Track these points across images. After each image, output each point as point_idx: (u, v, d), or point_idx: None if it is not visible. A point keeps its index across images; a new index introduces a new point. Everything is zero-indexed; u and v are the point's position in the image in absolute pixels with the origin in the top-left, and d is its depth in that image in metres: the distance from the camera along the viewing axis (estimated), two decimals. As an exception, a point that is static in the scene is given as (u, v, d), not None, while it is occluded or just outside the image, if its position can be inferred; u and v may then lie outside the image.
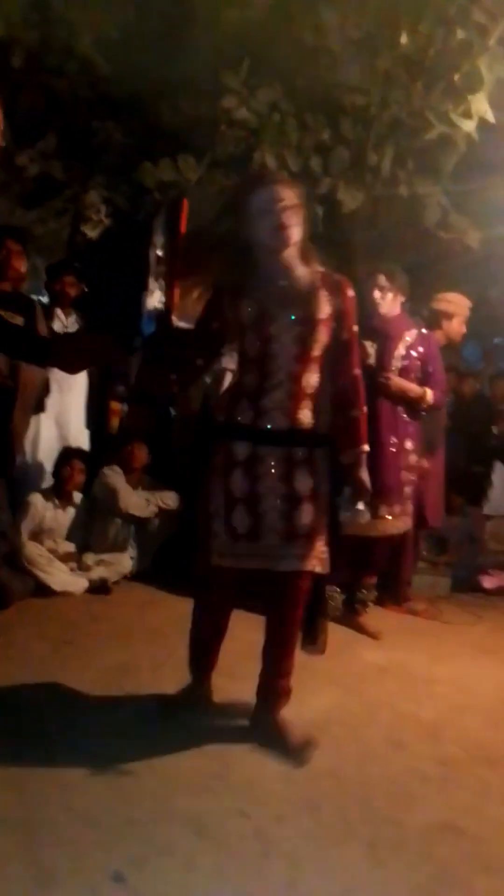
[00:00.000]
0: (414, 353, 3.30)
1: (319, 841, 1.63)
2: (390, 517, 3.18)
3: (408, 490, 3.27)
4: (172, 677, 2.49)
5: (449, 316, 3.82)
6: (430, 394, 3.32)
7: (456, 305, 3.84)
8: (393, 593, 3.83)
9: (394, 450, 3.21)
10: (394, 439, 3.22)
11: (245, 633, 3.08)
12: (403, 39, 3.49)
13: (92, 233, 5.21)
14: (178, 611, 3.28)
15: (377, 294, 3.25)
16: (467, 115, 3.35)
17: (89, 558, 3.64)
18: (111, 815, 1.65)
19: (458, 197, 4.58)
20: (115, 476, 3.80)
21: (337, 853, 1.60)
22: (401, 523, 3.26)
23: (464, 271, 5.55)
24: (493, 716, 2.40)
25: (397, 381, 3.23)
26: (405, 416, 3.28)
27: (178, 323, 4.18)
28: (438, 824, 1.72)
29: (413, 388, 3.28)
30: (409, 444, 3.29)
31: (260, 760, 1.96)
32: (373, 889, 1.49)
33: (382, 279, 3.26)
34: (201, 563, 2.09)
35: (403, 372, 3.26)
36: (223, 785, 1.82)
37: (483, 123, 3.65)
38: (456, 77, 3.29)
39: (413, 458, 3.31)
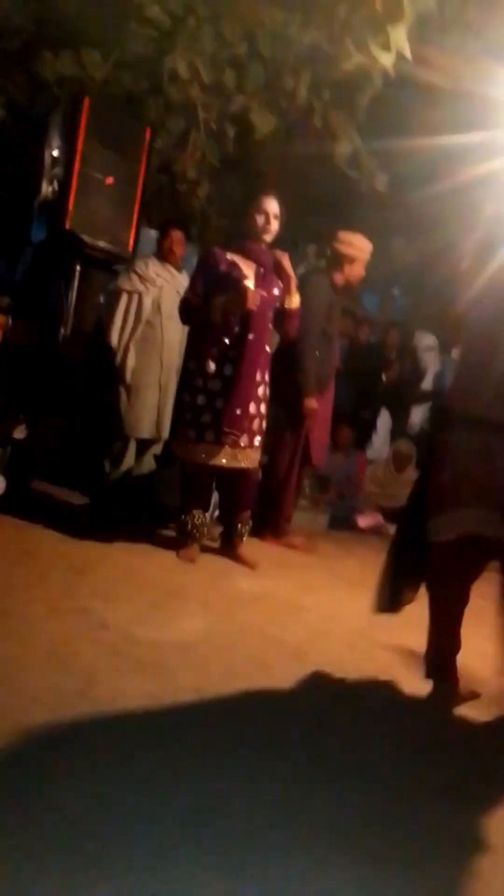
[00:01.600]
0: (277, 290, 3.27)
1: (178, 756, 1.66)
2: (237, 448, 3.17)
3: (258, 423, 3.24)
4: (44, 597, 2.44)
5: (350, 259, 3.81)
6: (296, 299, 3.29)
7: (358, 249, 3.83)
8: (273, 528, 3.92)
9: (251, 381, 3.17)
10: (257, 372, 3.19)
11: (125, 557, 3.07)
12: (328, -46, 3.33)
13: (-19, 125, 4.73)
14: (53, 536, 3.21)
15: (273, 220, 3.16)
16: (386, 47, 3.27)
17: (-40, 477, 3.45)
18: (-39, 730, 1.59)
19: (371, 152, 4.56)
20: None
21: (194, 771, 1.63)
22: (249, 456, 3.23)
23: (368, 219, 5.58)
24: (351, 639, 2.53)
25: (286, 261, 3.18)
26: (266, 346, 3.24)
27: (71, 232, 3.90)
28: (292, 741, 1.80)
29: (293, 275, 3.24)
30: (266, 376, 3.27)
31: (126, 680, 1.95)
32: (227, 801, 1.53)
33: (276, 206, 3.17)
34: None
35: (271, 300, 3.22)
36: (85, 702, 1.80)
37: (399, 75, 3.60)
38: (378, 5, 3.18)
39: (264, 391, 3.27)
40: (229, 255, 3.19)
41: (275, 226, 3.18)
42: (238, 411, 3.13)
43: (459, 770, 1.82)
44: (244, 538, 3.43)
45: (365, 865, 1.38)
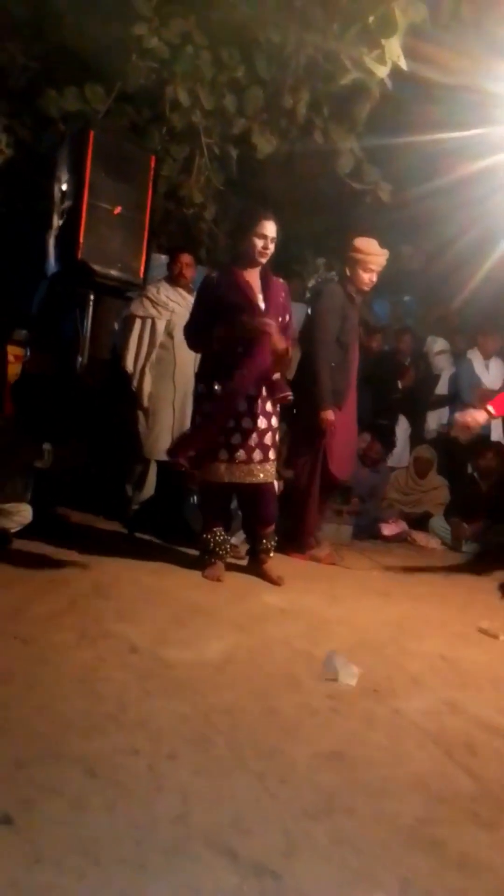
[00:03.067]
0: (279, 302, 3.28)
1: (211, 775, 1.67)
2: (252, 464, 3.20)
3: (270, 437, 3.25)
4: (72, 624, 2.47)
5: (364, 266, 3.78)
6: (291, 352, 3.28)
7: (373, 255, 3.80)
8: (297, 542, 3.93)
9: (258, 397, 3.19)
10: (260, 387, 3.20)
11: (151, 580, 3.10)
12: (320, -27, 3.40)
13: (-9, 164, 4.86)
14: (79, 562, 3.25)
15: (271, 244, 3.16)
16: (381, 60, 3.32)
17: (-13, 507, 3.51)
18: (-2, 759, 1.62)
19: (371, 151, 4.59)
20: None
21: (227, 785, 1.64)
22: (265, 470, 3.24)
23: (376, 227, 5.60)
24: (382, 652, 2.52)
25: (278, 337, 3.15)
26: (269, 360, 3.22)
27: (84, 263, 3.98)
28: (325, 754, 1.79)
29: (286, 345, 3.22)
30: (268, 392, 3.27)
31: (156, 702, 1.97)
32: (261, 816, 1.54)
33: (274, 229, 3.16)
34: None
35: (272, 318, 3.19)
36: (116, 725, 1.82)
37: (397, 74, 3.63)
38: (371, 19, 3.23)
39: (275, 405, 3.29)
40: (228, 279, 3.21)
41: (271, 249, 3.19)
42: (239, 401, 3.15)
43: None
44: (270, 554, 3.44)
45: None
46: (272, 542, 3.44)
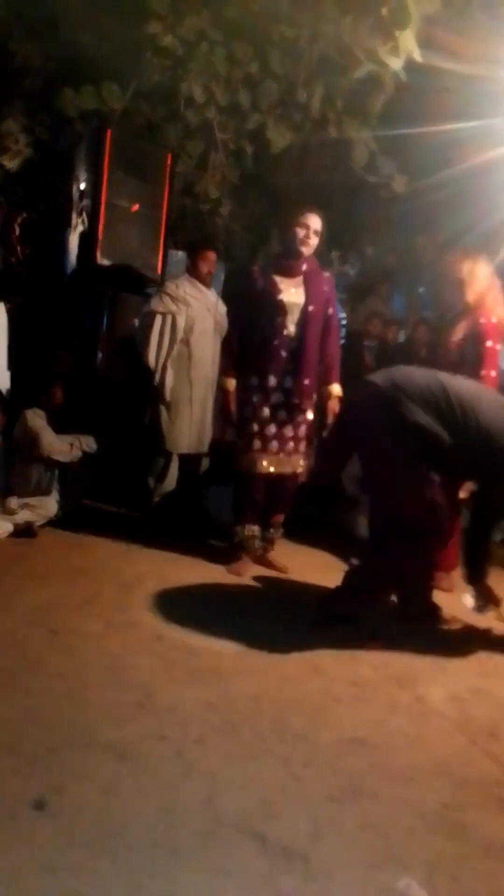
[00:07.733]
0: (323, 296, 3.29)
1: (237, 760, 1.70)
2: (283, 454, 3.25)
3: (305, 429, 3.30)
4: (97, 615, 2.51)
5: None
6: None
7: None
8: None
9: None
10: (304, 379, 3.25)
11: (175, 571, 3.14)
12: (333, -33, 3.38)
13: (10, 164, 4.91)
14: (104, 553, 3.30)
15: (313, 235, 3.20)
16: (395, 52, 3.30)
17: (13, 502, 3.56)
18: (31, 744, 1.66)
19: (384, 142, 4.56)
20: (36, 419, 3.70)
21: (254, 770, 1.67)
22: (294, 463, 3.29)
23: (391, 219, 5.57)
24: (403, 640, 2.52)
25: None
26: (314, 353, 3.26)
27: (103, 261, 4.02)
28: (349, 739, 1.82)
29: None
30: (313, 384, 3.31)
31: (182, 689, 2.00)
32: (287, 801, 1.57)
33: (318, 223, 3.20)
34: None
35: (314, 314, 3.24)
36: (144, 712, 1.86)
37: (410, 63, 3.60)
38: (384, 12, 3.21)
39: (312, 399, 3.31)
40: (266, 274, 3.26)
41: (314, 241, 3.21)
42: (306, 381, 3.22)
43: None
44: (274, 543, 3.45)
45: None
46: (279, 532, 3.46)
